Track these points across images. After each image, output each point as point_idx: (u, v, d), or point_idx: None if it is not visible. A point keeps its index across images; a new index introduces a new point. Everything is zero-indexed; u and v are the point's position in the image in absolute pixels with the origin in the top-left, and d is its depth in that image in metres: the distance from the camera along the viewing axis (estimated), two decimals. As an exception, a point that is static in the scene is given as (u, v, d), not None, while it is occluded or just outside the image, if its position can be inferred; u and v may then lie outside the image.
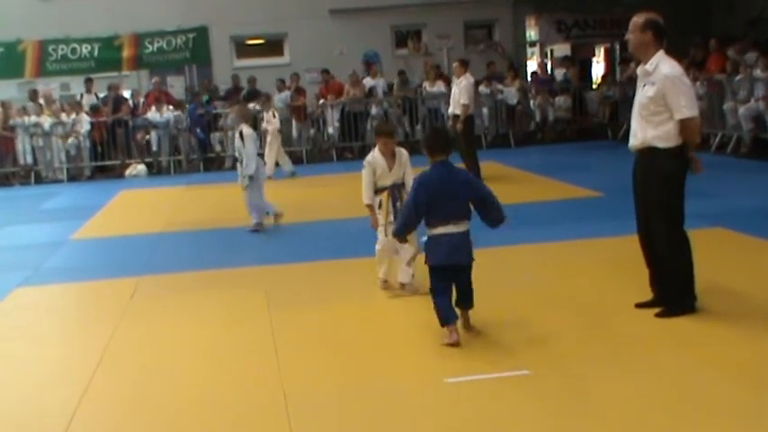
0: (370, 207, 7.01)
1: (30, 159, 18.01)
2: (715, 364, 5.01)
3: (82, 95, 19.38)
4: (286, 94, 19.17)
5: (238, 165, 10.41)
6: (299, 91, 19.37)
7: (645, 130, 5.84)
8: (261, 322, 6.45)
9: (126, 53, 18.92)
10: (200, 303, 7.20)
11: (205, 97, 19.30)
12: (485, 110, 18.97)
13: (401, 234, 5.91)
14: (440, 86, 18.51)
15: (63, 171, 18.11)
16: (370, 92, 19.26)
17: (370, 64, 20.66)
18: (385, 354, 5.62)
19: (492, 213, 5.71)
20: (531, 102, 19.49)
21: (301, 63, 20.90)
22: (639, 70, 6.01)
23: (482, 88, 18.57)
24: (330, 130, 18.90)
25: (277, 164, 15.73)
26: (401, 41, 22.68)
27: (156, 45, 19.14)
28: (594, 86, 21.10)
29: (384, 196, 6.96)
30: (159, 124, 18.18)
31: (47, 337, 6.72)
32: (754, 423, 4.21)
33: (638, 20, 5.89)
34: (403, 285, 7.02)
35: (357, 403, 4.78)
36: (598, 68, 24.29)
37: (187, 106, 18.56)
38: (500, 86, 19.48)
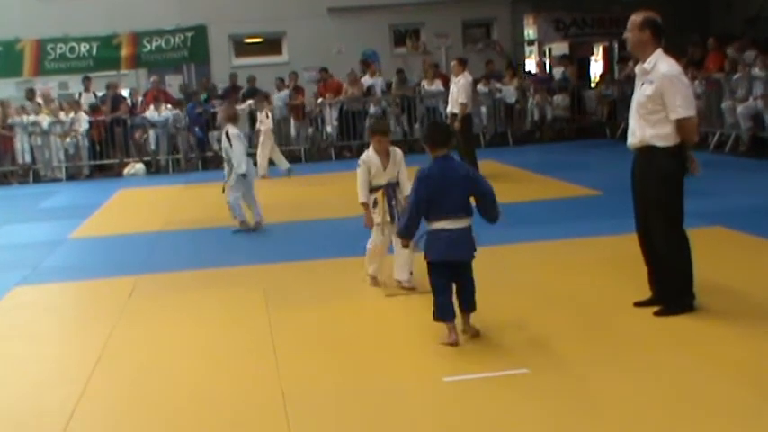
0: (365, 205, 7.02)
1: (28, 158, 18.00)
2: (714, 362, 5.01)
3: (80, 94, 19.35)
4: (285, 92, 19.17)
5: (225, 165, 10.39)
6: (298, 90, 19.38)
7: (643, 129, 5.84)
8: (259, 321, 6.45)
9: (124, 52, 18.91)
10: (198, 302, 7.20)
11: (203, 96, 19.29)
12: (483, 109, 18.97)
13: (405, 234, 5.78)
14: (438, 85, 18.49)
15: (61, 170, 18.10)
16: (369, 91, 19.25)
17: (369, 63, 20.65)
18: (383, 353, 5.62)
19: (490, 211, 5.64)
20: (530, 100, 19.47)
21: (300, 62, 20.90)
22: (638, 69, 6.01)
23: (480, 87, 18.58)
24: (328, 128, 18.90)
25: (273, 163, 15.74)
26: (399, 40, 22.69)
27: (154, 44, 19.12)
28: (593, 85, 21.10)
29: (379, 195, 6.97)
30: (158, 123, 18.16)
31: (45, 335, 6.71)
32: (753, 422, 4.21)
33: (636, 18, 5.89)
34: (400, 282, 7.03)
35: (355, 402, 4.78)
36: (596, 67, 24.32)
37: (185, 105, 18.54)
38: (498, 85, 19.49)
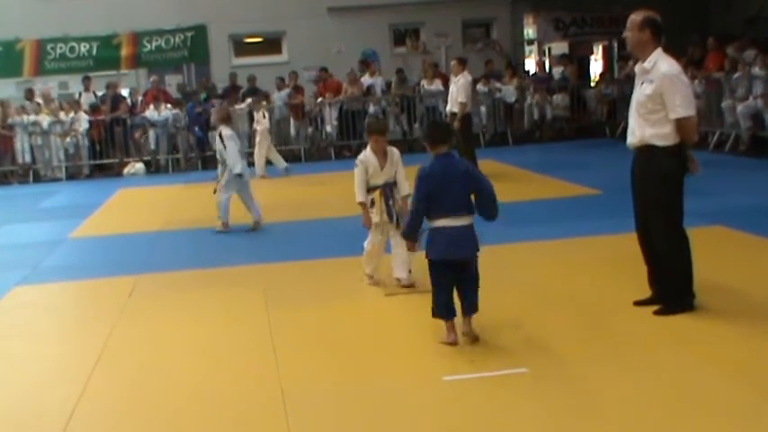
0: (363, 205, 7.03)
1: (28, 158, 17.99)
2: (713, 362, 5.01)
3: (80, 94, 19.35)
4: (285, 92, 19.17)
5: (219, 166, 10.38)
6: (298, 89, 19.38)
7: (643, 128, 5.84)
8: (259, 321, 6.45)
9: (124, 52, 18.91)
10: (198, 302, 7.20)
11: (203, 95, 19.29)
12: (483, 108, 18.97)
13: (409, 235, 5.75)
14: (438, 85, 18.48)
15: (61, 169, 18.10)
16: (369, 90, 19.24)
17: (369, 62, 20.65)
18: (383, 352, 5.61)
19: (489, 208, 5.59)
20: (530, 99, 19.47)
21: (299, 61, 20.90)
22: (637, 68, 6.01)
23: (480, 86, 18.57)
24: (328, 128, 18.90)
25: (270, 163, 15.73)
26: (399, 40, 22.68)
27: (154, 44, 19.13)
28: (592, 84, 21.08)
29: (376, 195, 6.98)
30: (157, 123, 18.16)
31: (45, 335, 6.71)
32: (753, 421, 4.21)
33: (636, 18, 5.89)
34: (399, 281, 7.03)
35: (355, 401, 4.78)
36: (596, 66, 24.32)
37: (184, 105, 18.53)
38: (498, 85, 19.48)
